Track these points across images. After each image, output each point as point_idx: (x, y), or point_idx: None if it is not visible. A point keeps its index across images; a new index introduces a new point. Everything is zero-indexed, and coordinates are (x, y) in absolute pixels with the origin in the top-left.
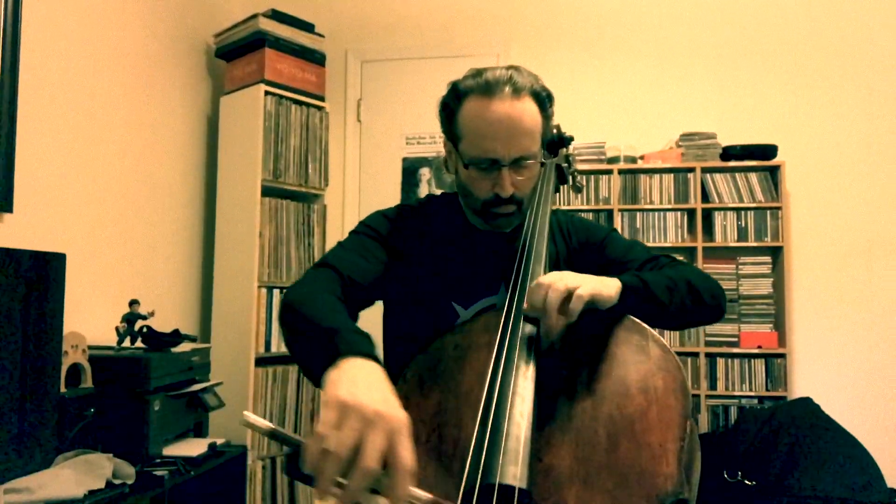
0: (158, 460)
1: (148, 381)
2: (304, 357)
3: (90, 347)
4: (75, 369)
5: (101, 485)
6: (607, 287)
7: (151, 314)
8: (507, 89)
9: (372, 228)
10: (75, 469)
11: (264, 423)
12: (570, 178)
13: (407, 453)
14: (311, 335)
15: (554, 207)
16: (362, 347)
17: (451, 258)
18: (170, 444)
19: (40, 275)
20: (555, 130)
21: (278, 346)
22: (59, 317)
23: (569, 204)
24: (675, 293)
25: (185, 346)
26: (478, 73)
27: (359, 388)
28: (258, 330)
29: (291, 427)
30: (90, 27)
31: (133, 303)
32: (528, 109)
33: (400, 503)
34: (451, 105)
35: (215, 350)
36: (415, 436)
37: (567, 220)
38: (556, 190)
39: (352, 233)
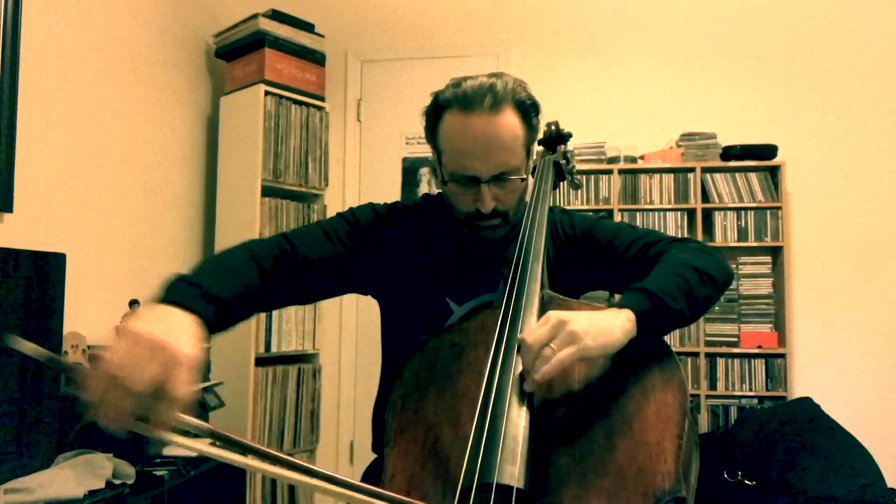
0: (158, 460)
1: None
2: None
3: (90, 347)
4: None
5: (101, 485)
6: (608, 333)
7: None
8: (487, 101)
9: (355, 217)
10: (75, 469)
11: (31, 346)
12: (569, 174)
13: (180, 384)
14: (169, 281)
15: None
16: (180, 298)
17: (445, 256)
18: (170, 444)
19: (40, 275)
20: (553, 127)
21: (278, 346)
22: (59, 317)
23: (569, 203)
24: (689, 293)
25: None
26: (457, 83)
27: (151, 324)
28: (258, 330)
29: (292, 427)
30: (90, 27)
31: (133, 303)
32: (507, 123)
33: (160, 428)
34: (432, 117)
35: (215, 350)
36: (412, 435)
37: (558, 217)
38: (555, 187)
39: (336, 214)
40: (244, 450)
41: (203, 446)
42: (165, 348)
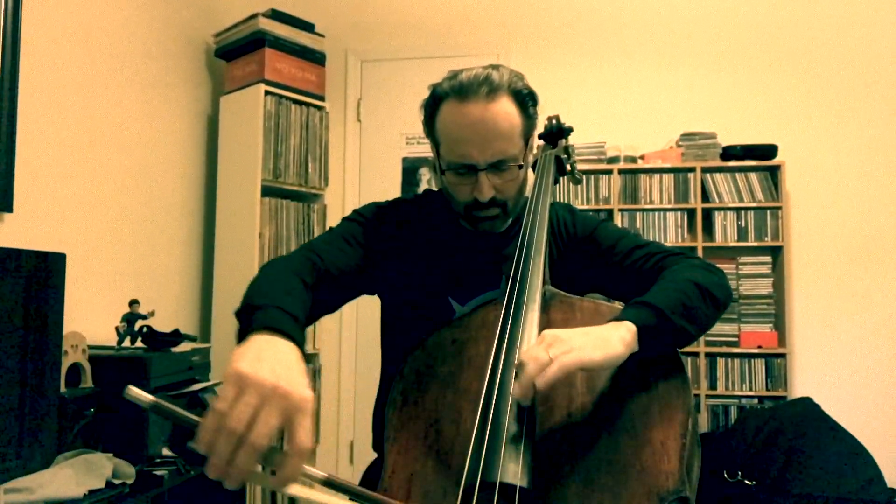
0: (158, 460)
1: (148, 381)
2: (238, 331)
3: (90, 347)
4: (75, 369)
5: (101, 485)
6: (609, 344)
7: (151, 314)
8: (483, 90)
9: (363, 217)
10: (75, 469)
11: (147, 397)
12: (570, 168)
13: (304, 433)
14: (243, 309)
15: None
16: (278, 324)
17: (447, 254)
18: (290, 496)
19: (40, 275)
20: (554, 121)
21: None
22: (59, 317)
23: (568, 201)
24: (692, 310)
25: (185, 346)
26: (454, 75)
27: (261, 363)
28: None
29: None
30: (90, 27)
31: (133, 303)
32: (503, 111)
33: (288, 482)
34: (430, 109)
35: (215, 350)
36: (413, 432)
37: (561, 215)
38: (556, 182)
39: (343, 219)
40: (361, 498)
41: (329, 497)
42: (283, 395)
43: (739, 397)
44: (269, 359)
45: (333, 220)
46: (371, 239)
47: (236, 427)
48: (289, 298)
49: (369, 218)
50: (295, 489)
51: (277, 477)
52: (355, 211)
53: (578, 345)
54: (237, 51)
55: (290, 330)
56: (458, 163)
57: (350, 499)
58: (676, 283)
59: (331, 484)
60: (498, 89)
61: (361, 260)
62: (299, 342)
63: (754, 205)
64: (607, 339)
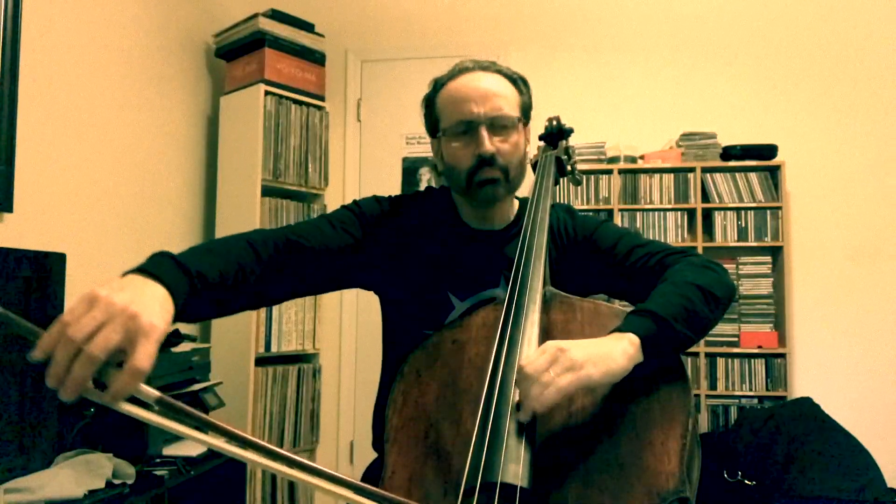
0: (158, 460)
1: (148, 381)
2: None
3: None
4: None
5: (101, 485)
6: (611, 360)
7: None
8: (477, 66)
9: (360, 208)
10: (75, 469)
11: None
12: (570, 170)
13: (143, 356)
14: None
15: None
16: (157, 270)
17: (448, 250)
18: (170, 444)
19: (40, 275)
20: (554, 122)
21: (278, 346)
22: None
23: (569, 201)
24: (695, 315)
25: (185, 346)
26: (453, 66)
27: (122, 293)
28: (258, 330)
29: (292, 427)
30: (90, 27)
31: None
32: (499, 79)
33: (119, 398)
34: (431, 96)
35: (215, 350)
36: (413, 432)
37: (561, 217)
38: (556, 182)
39: (341, 206)
40: (199, 424)
41: (154, 417)
42: (131, 316)
43: (739, 397)
44: (131, 291)
45: None
46: (365, 230)
47: (76, 336)
48: (203, 256)
49: (366, 210)
50: (128, 408)
51: (109, 391)
52: (354, 201)
53: (580, 361)
54: (237, 51)
55: (168, 278)
56: (458, 121)
57: (180, 421)
58: (678, 286)
59: (162, 403)
60: (490, 68)
61: (345, 246)
62: (176, 292)
63: (754, 205)
64: (610, 354)
